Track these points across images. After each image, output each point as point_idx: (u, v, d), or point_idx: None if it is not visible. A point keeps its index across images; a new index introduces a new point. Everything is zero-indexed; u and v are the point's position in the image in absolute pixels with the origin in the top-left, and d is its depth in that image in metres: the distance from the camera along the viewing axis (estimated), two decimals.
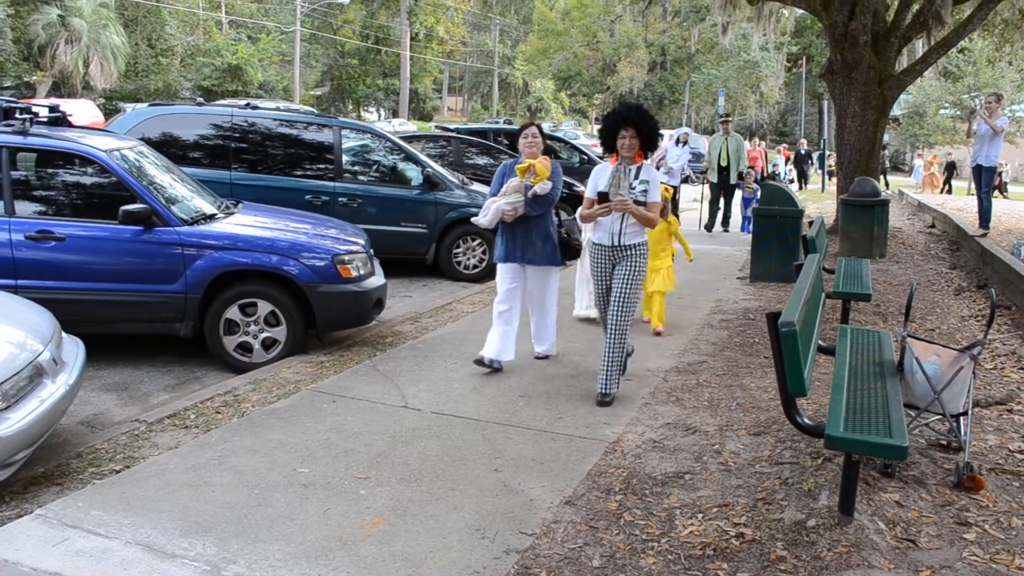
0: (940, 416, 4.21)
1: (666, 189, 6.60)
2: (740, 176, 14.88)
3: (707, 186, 15.51)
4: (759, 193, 12.77)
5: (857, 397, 3.81)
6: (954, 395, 4.10)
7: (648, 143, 5.46)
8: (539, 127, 6.13)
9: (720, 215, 15.49)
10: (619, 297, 5.36)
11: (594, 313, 6.99)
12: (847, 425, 3.40)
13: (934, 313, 7.80)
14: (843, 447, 3.34)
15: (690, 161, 28.64)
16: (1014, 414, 4.89)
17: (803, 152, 25.86)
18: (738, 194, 15.61)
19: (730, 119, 15.73)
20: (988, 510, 3.64)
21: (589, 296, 7.42)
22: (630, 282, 5.37)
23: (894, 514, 3.57)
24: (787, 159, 26.73)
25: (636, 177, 5.38)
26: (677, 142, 15.22)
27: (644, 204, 5.34)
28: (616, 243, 5.42)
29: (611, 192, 5.28)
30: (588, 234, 6.02)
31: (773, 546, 3.40)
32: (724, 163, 14.67)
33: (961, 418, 4.16)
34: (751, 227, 12.88)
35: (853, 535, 3.38)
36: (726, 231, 15.20)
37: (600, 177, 5.47)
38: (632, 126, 5.35)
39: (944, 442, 4.35)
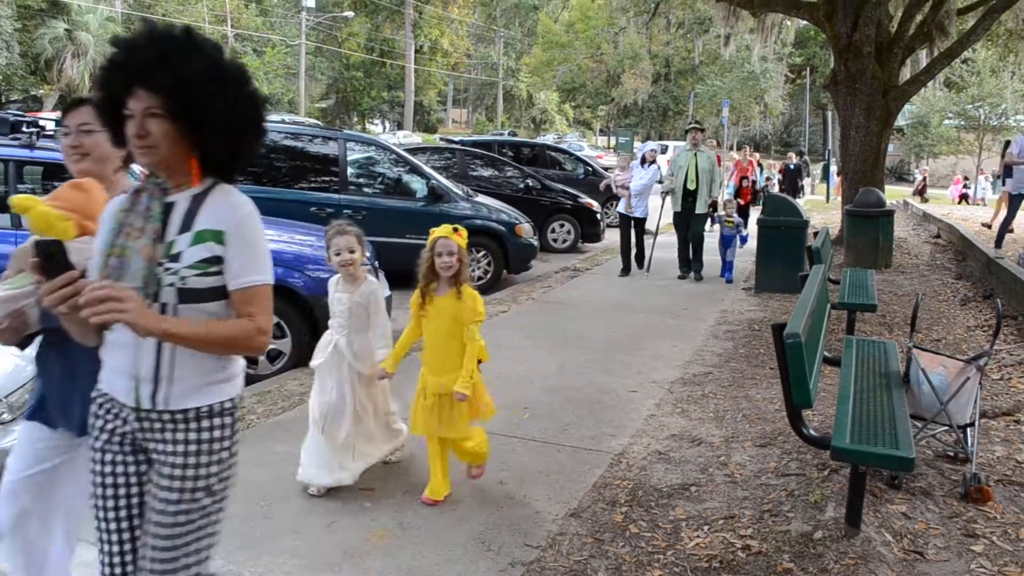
0: (947, 427, 4.19)
1: (456, 231, 3.89)
2: (713, 206, 11.07)
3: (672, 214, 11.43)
4: (743, 229, 11.18)
5: (863, 408, 3.80)
6: (961, 406, 4.09)
7: (203, 131, 2.07)
8: (87, 101, 2.56)
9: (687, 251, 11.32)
10: (152, 551, 2.11)
11: (347, 477, 4.11)
12: (853, 436, 3.39)
13: (940, 323, 7.78)
14: (849, 458, 3.33)
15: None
16: (1021, 425, 4.86)
17: (792, 167, 23.53)
18: (713, 228, 11.69)
19: (701, 128, 11.40)
20: (996, 522, 3.62)
21: (341, 443, 4.13)
22: (174, 521, 2.13)
23: (901, 526, 3.56)
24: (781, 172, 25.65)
25: (187, 228, 2.10)
26: (643, 161, 11.44)
27: (203, 298, 2.09)
28: (146, 403, 2.11)
29: (104, 266, 2.11)
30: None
31: (780, 558, 3.38)
32: (692, 186, 10.84)
33: (968, 429, 4.15)
34: (731, 273, 10.93)
35: (860, 547, 3.37)
36: (698, 278, 10.95)
37: (105, 224, 2.19)
38: (152, 88, 2.01)
39: (951, 453, 4.33)
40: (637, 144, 42.45)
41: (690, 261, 11.08)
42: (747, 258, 12.06)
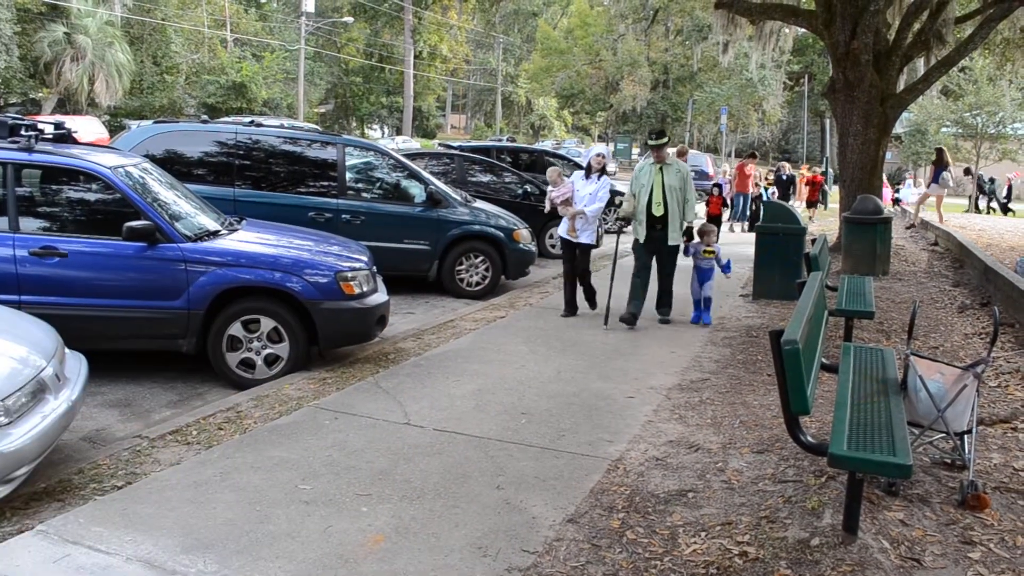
0: (944, 434, 4.19)
1: None
2: (688, 235, 8.48)
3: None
4: (721, 254, 8.80)
5: (860, 415, 3.80)
6: (958, 413, 4.09)
7: None
8: None
9: (656, 292, 8.68)
10: None
11: None
12: (850, 443, 3.39)
13: (937, 331, 7.79)
14: (847, 465, 3.33)
15: (694, 178, 27.64)
16: (1018, 432, 4.87)
17: (784, 177, 21.82)
18: (682, 262, 8.70)
19: (667, 140, 8.45)
20: (993, 529, 3.62)
21: None
22: None
23: (898, 533, 3.55)
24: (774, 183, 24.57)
25: None
26: (588, 172, 8.76)
27: None
28: None
29: None
30: None
31: (777, 565, 3.38)
32: (659, 211, 8.16)
33: (965, 436, 4.15)
34: (708, 314, 8.70)
35: (857, 554, 3.37)
36: (664, 319, 8.63)
37: None
38: None
39: (948, 460, 4.33)
40: (634, 151, 42.06)
41: (639, 300, 8.37)
42: (745, 264, 12.06)
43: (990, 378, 5.97)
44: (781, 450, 4.68)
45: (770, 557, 3.45)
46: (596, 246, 8.69)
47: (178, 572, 3.35)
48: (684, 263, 8.78)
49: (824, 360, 4.99)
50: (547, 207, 9.11)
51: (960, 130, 31.12)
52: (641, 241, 8.38)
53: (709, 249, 8.77)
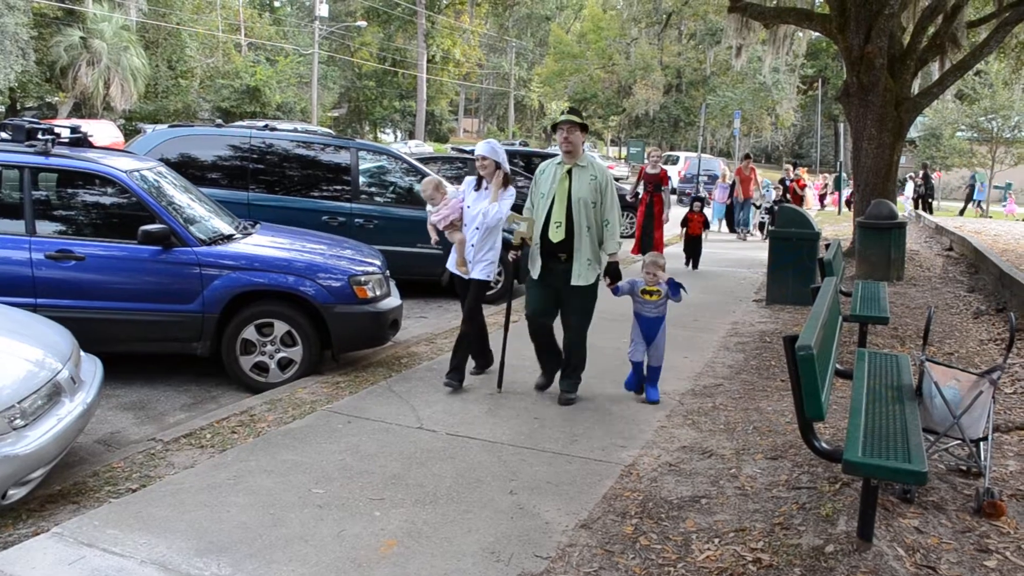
0: (959, 441, 4.17)
1: None
2: (612, 274, 5.80)
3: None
4: (674, 290, 5.88)
5: (875, 421, 3.78)
6: (974, 420, 4.07)
7: None
8: None
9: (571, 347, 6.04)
10: None
11: None
12: (865, 450, 3.37)
13: (952, 337, 7.74)
14: (861, 472, 3.31)
15: (706, 183, 27.20)
16: None
17: (787, 182, 19.48)
18: (610, 301, 6.34)
19: (582, 122, 5.68)
20: (1009, 537, 3.60)
21: None
22: None
23: (913, 540, 3.53)
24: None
25: None
26: (479, 183, 6.28)
27: None
28: None
29: None
30: None
31: (791, 572, 3.36)
32: (557, 235, 5.66)
33: (981, 443, 4.12)
34: (656, 389, 5.96)
35: (872, 561, 3.35)
36: (568, 398, 5.86)
37: None
38: None
39: (964, 467, 4.31)
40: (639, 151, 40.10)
41: (553, 363, 6.11)
42: (758, 270, 12.02)
43: (1006, 384, 5.93)
44: (795, 456, 4.66)
45: (784, 564, 3.43)
46: (491, 285, 6.02)
47: (192, 575, 3.36)
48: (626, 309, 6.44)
49: (838, 366, 4.98)
50: (432, 236, 6.69)
51: (975, 134, 31.00)
52: (535, 277, 5.86)
53: (652, 289, 5.94)
